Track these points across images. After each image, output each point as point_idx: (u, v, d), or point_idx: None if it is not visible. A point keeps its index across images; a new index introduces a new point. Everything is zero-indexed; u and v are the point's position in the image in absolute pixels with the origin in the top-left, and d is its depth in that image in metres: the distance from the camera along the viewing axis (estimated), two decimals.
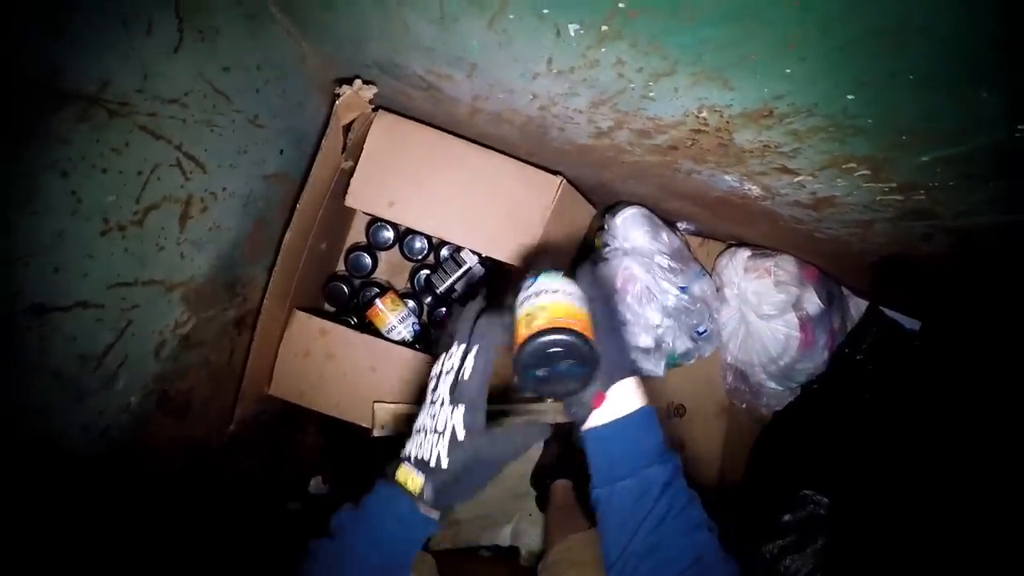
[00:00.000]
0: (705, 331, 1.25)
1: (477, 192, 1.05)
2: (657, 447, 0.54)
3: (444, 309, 1.20)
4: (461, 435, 0.50)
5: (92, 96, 0.57)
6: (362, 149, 1.01)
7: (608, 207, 1.30)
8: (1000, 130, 0.51)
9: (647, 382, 0.59)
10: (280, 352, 1.06)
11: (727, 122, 0.65)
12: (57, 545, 0.69)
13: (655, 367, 1.23)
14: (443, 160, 1.04)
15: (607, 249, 1.25)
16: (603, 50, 0.59)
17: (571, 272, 0.58)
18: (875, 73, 0.49)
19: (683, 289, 1.22)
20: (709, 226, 1.33)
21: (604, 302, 0.57)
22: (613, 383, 0.54)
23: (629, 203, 1.29)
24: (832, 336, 1.31)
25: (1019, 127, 0.49)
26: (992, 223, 0.70)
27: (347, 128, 0.98)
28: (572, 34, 0.57)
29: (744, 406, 1.34)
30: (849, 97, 0.53)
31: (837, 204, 0.81)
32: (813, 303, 1.27)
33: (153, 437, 0.81)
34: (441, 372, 0.55)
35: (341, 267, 1.29)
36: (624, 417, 0.54)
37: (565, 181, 1.09)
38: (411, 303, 1.23)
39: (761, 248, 1.30)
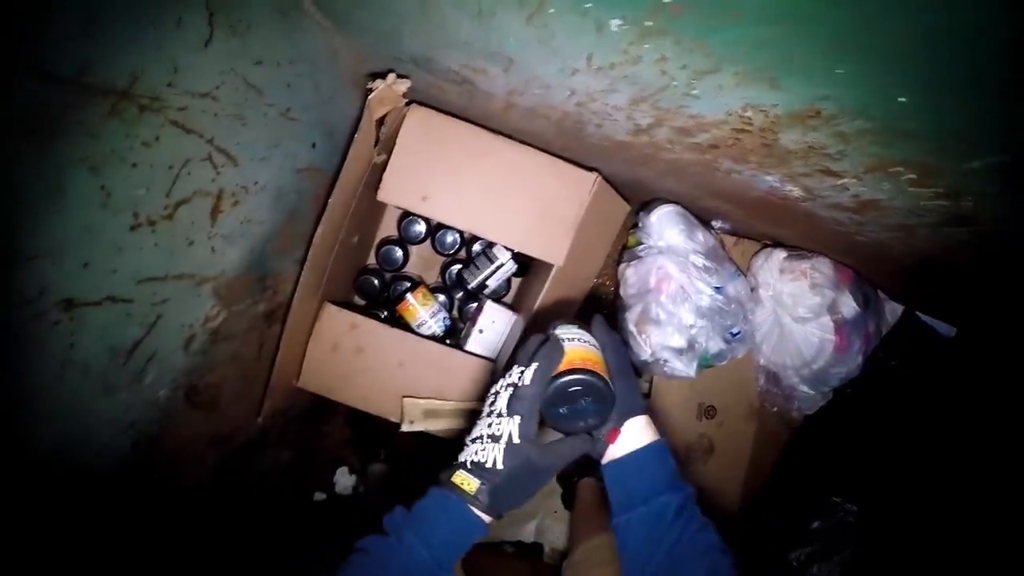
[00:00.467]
0: (739, 332, 1.20)
1: (511, 187, 1.02)
2: (669, 477, 0.58)
3: (475, 304, 1.17)
4: (516, 440, 0.53)
5: (122, 91, 0.55)
6: (395, 143, 0.97)
7: (642, 204, 1.25)
8: None
9: (654, 418, 0.62)
10: (309, 345, 1.04)
11: (772, 122, 0.63)
12: (83, 539, 0.69)
13: (687, 368, 1.18)
14: (476, 155, 1.01)
15: (641, 247, 1.20)
16: (646, 46, 0.56)
17: (585, 319, 0.65)
18: (927, 75, 0.46)
19: (718, 289, 1.16)
20: (745, 225, 1.27)
21: (615, 348, 0.62)
22: (626, 420, 0.59)
23: (664, 200, 1.23)
24: (867, 340, 1.25)
25: None
26: None
27: (380, 122, 0.95)
28: (614, 30, 0.54)
29: (775, 409, 1.28)
30: (900, 100, 0.50)
31: (881, 208, 0.77)
32: (849, 307, 1.20)
33: (181, 431, 0.80)
34: (500, 390, 0.58)
35: (372, 261, 1.27)
36: (638, 450, 0.59)
37: (600, 178, 1.05)
38: (442, 298, 1.20)
39: (797, 249, 1.24)
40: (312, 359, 1.05)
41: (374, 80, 0.90)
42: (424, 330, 1.13)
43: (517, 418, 0.54)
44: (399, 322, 1.17)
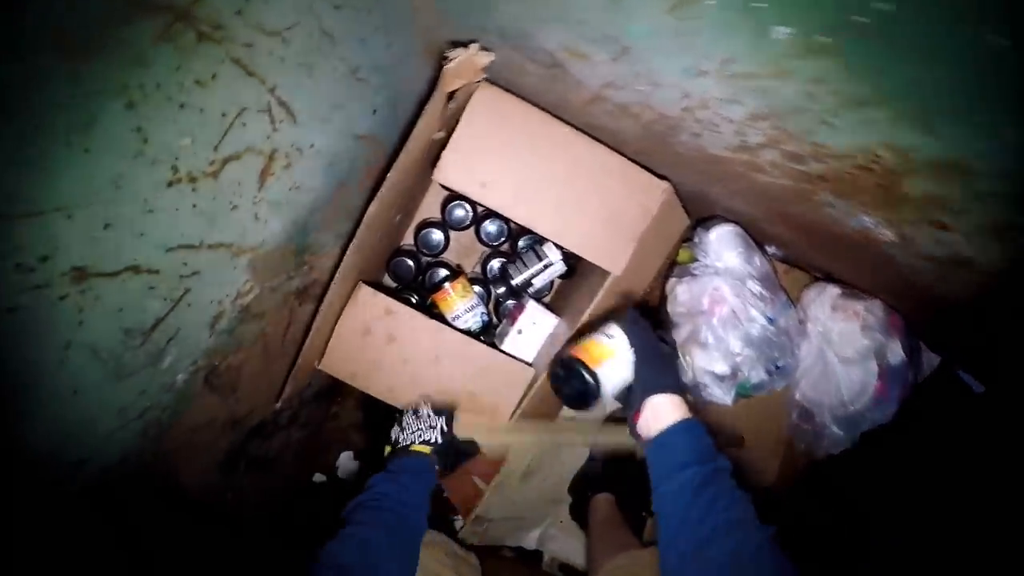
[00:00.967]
0: (784, 366, 1.08)
1: (578, 186, 0.88)
2: (695, 452, 0.57)
3: (515, 302, 1.03)
4: (446, 428, 0.78)
5: (182, 9, 0.40)
6: (459, 121, 0.83)
7: (699, 219, 1.12)
8: None
9: (705, 409, 0.65)
10: (338, 326, 0.90)
11: (905, 165, 0.55)
12: (85, 532, 0.55)
13: (725, 395, 1.06)
14: (545, 145, 0.87)
15: (696, 265, 1.07)
16: (805, 63, 0.47)
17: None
18: None
19: (771, 320, 1.04)
20: (802, 255, 1.14)
21: (639, 335, 0.68)
22: (647, 399, 0.61)
23: (723, 219, 1.10)
24: (905, 389, 1.14)
25: None
26: None
27: (449, 96, 0.80)
28: (777, 38, 0.45)
29: (803, 447, 1.17)
30: None
31: (974, 266, 0.70)
32: (896, 354, 1.10)
33: (196, 416, 0.66)
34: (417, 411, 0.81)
35: (407, 241, 1.12)
36: (666, 429, 0.59)
37: (671, 187, 0.92)
38: (480, 291, 1.06)
39: (851, 287, 1.12)
40: (339, 342, 0.91)
41: (454, 48, 0.75)
42: (459, 324, 1.00)
43: (443, 417, 0.79)
44: (432, 311, 1.03)
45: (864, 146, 0.56)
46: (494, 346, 0.99)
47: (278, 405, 0.81)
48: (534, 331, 0.99)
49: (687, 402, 0.62)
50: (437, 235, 1.06)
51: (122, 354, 0.49)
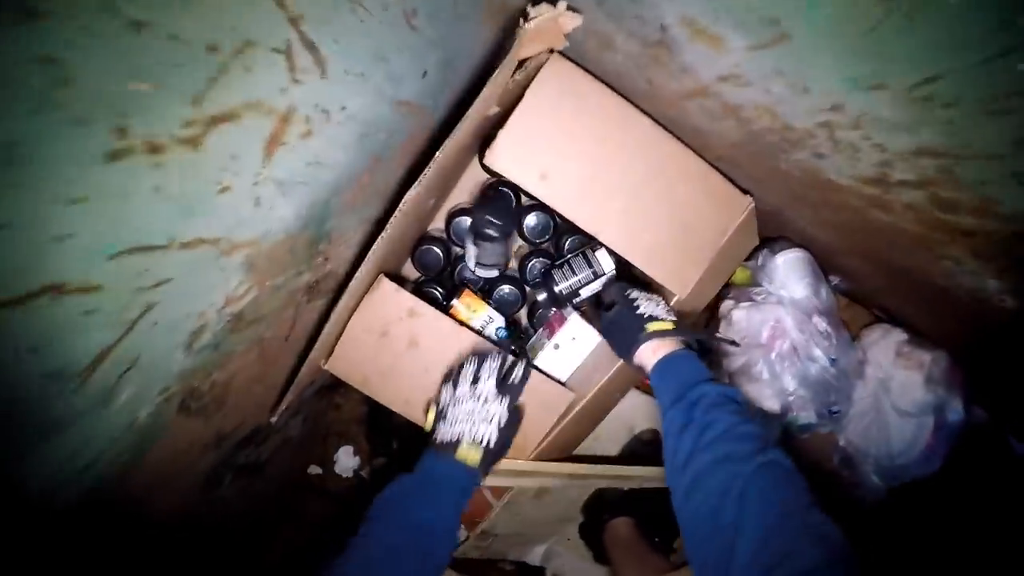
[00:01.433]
0: (838, 412, 0.92)
1: (650, 191, 0.69)
2: (669, 395, 0.53)
3: (554, 312, 0.84)
4: (503, 425, 0.60)
5: None
6: (521, 97, 0.62)
7: (764, 238, 0.93)
8: None
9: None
10: (351, 324, 0.71)
11: None
12: None
13: (769, 434, 0.91)
14: (620, 138, 0.67)
15: (757, 290, 0.89)
16: None
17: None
18: None
19: (833, 361, 0.87)
20: (872, 293, 0.96)
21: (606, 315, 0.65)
22: (625, 359, 0.61)
23: (791, 242, 0.91)
24: (951, 446, 0.99)
25: None
26: None
27: (519, 65, 0.59)
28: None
29: (838, 492, 1.02)
30: None
31: None
32: (956, 412, 0.93)
33: (168, 446, 0.48)
34: (478, 376, 0.63)
35: (435, 225, 0.92)
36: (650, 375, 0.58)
37: (754, 205, 0.73)
38: (509, 288, 0.87)
39: (916, 334, 0.95)
40: (351, 341, 0.72)
41: (536, 5, 0.54)
42: None
43: (506, 400, 0.60)
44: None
45: None
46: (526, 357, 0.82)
47: (274, 420, 0.63)
48: (573, 348, 0.81)
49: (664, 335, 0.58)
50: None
51: (48, 407, 0.31)
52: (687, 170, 0.70)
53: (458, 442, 0.57)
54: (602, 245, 0.81)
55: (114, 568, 0.50)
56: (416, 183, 0.56)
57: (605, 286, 0.78)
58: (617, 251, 0.69)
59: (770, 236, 0.93)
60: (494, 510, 0.96)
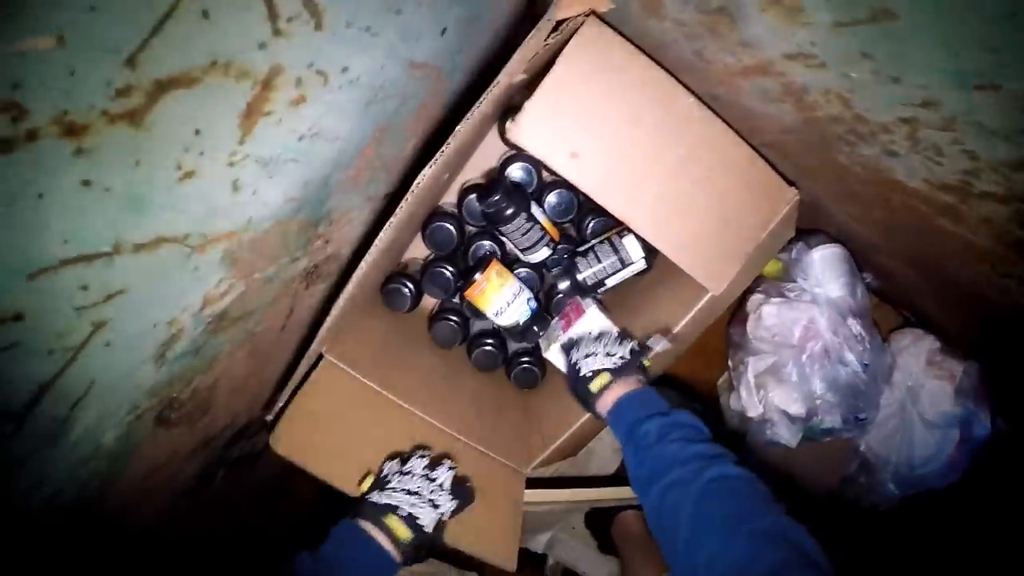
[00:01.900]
0: (865, 419, 0.84)
1: (689, 177, 0.59)
2: (621, 439, 0.52)
3: (572, 301, 0.76)
4: (446, 519, 0.52)
5: None
6: (551, 65, 0.51)
7: (798, 231, 0.83)
8: None
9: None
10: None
11: None
12: None
13: (791, 437, 0.83)
14: (659, 116, 0.56)
15: (791, 287, 0.80)
16: None
17: None
18: None
19: (865, 367, 0.79)
20: (907, 296, 0.87)
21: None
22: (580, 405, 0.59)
23: (827, 235, 0.82)
24: (972, 458, 0.93)
25: None
26: None
27: (554, 28, 0.48)
28: None
29: (850, 497, 0.97)
30: None
31: None
32: (983, 427, 0.86)
33: (146, 460, 0.41)
34: (437, 465, 0.55)
35: (447, 199, 0.82)
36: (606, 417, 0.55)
37: (799, 198, 0.64)
38: (522, 272, 0.78)
39: (945, 339, 0.87)
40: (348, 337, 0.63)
41: None
42: (503, 320, 0.73)
43: (456, 503, 0.53)
44: (469, 308, 0.77)
45: None
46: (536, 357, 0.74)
47: (269, 417, 0.56)
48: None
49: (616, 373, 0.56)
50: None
51: None
52: (730, 156, 0.60)
53: (393, 508, 0.49)
54: (631, 231, 0.72)
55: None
56: (432, 160, 0.47)
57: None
58: (649, 240, 0.60)
59: (805, 228, 0.84)
60: None
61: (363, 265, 0.52)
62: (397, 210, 0.50)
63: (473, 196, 0.77)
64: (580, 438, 0.76)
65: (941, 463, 0.88)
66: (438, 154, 0.47)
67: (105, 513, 0.39)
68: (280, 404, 0.56)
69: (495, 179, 0.76)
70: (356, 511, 0.49)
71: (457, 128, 0.46)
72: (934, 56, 0.33)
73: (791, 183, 0.64)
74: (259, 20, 0.25)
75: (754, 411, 0.82)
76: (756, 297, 0.84)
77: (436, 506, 0.51)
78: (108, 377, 0.30)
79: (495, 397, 0.82)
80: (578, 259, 0.71)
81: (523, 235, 0.72)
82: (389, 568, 0.48)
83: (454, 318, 0.80)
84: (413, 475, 0.53)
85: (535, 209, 0.72)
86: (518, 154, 0.76)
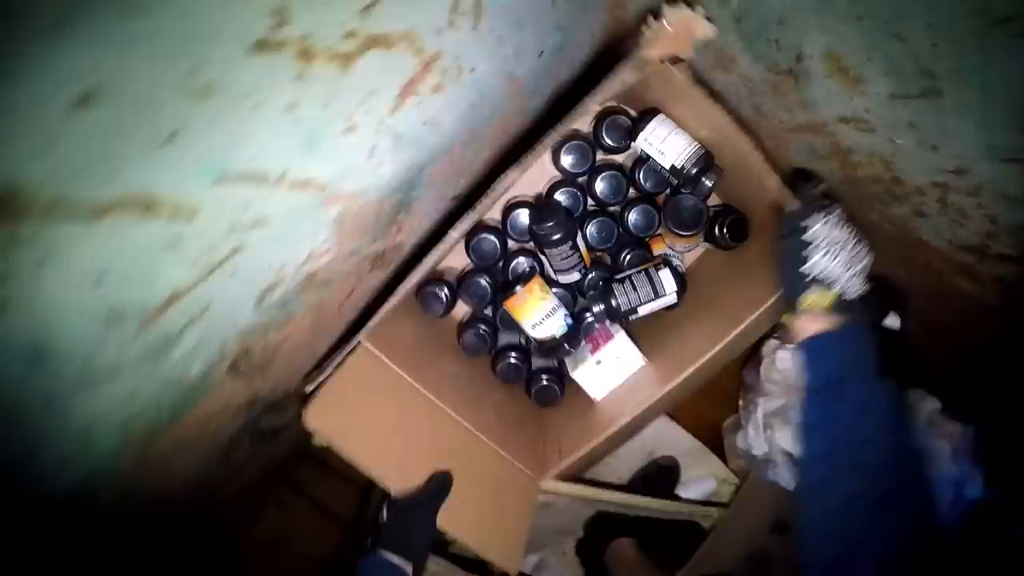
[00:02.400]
0: None
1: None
2: (814, 379, 0.45)
3: (600, 326, 0.77)
4: None
5: None
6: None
7: None
8: None
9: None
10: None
11: None
12: None
13: (791, 479, 0.84)
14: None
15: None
16: None
17: None
18: None
19: None
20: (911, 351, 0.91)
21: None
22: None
23: None
24: (961, 518, 0.93)
25: None
26: None
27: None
28: None
29: None
30: None
31: None
32: (975, 489, 0.86)
33: (205, 408, 0.40)
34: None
35: (490, 215, 0.84)
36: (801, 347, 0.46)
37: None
38: (558, 290, 0.79)
39: (950, 402, 0.89)
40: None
41: (672, 3, 0.47)
42: (538, 332, 0.73)
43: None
44: (503, 320, 0.79)
45: None
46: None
47: (308, 389, 0.55)
48: (615, 366, 0.74)
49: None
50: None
51: (94, 354, 0.23)
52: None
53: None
54: (667, 265, 0.74)
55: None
56: (514, 167, 0.49)
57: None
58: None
59: None
60: None
61: (427, 261, 0.54)
62: (473, 209, 0.52)
63: (519, 212, 0.79)
64: (596, 456, 0.75)
65: None
66: (520, 162, 0.49)
67: (160, 453, 0.38)
68: (320, 379, 0.56)
69: (549, 204, 0.78)
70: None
71: (537, 143, 0.48)
72: (971, 131, 0.36)
73: None
74: (443, 8, 0.28)
75: (759, 450, 0.83)
76: (772, 342, 0.86)
77: None
78: (222, 305, 0.31)
79: (515, 410, 0.81)
80: (615, 285, 0.73)
81: (563, 259, 0.74)
82: None
83: (484, 328, 0.81)
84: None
85: (578, 235, 0.75)
86: (565, 180, 0.79)
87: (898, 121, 0.41)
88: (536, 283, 0.73)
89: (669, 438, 0.91)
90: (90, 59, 0.14)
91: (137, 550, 0.44)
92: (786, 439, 0.82)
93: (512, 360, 0.82)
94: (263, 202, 0.27)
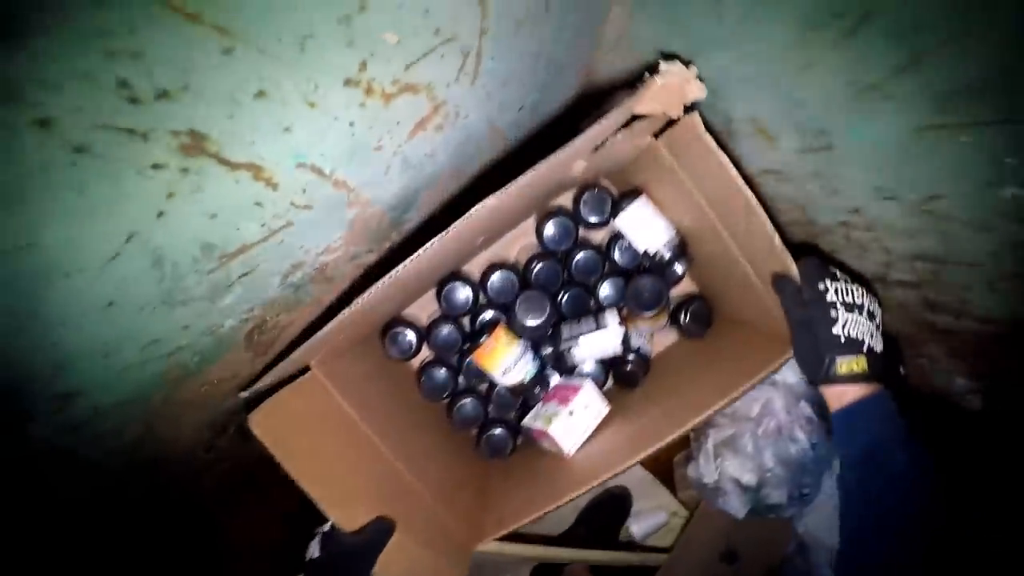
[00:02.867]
0: (808, 494, 0.95)
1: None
2: (851, 449, 0.46)
3: (560, 381, 0.82)
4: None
5: None
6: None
7: None
8: None
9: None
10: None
11: None
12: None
13: (740, 507, 0.92)
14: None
15: None
16: (1014, 226, 0.39)
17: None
18: None
19: (813, 446, 0.92)
20: None
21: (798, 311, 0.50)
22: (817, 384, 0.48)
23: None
24: None
25: None
26: None
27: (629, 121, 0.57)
28: (1003, 196, 0.37)
29: None
30: None
31: None
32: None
33: (220, 369, 0.48)
34: None
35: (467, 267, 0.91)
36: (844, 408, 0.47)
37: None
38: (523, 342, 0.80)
39: None
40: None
41: (667, 60, 0.51)
42: (508, 379, 0.78)
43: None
44: (469, 370, 0.83)
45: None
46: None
47: (245, 395, 0.56)
48: (584, 416, 0.77)
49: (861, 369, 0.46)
50: (507, 281, 0.80)
51: (186, 274, 0.32)
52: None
53: None
54: (614, 307, 0.82)
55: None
56: (493, 196, 0.59)
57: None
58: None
59: None
60: None
61: (385, 280, 0.50)
62: (444, 233, 0.51)
63: (498, 275, 0.80)
64: (533, 525, 0.72)
65: None
66: (497, 194, 0.62)
67: (180, 400, 0.45)
68: (259, 386, 0.52)
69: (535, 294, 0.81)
70: None
71: (520, 178, 0.58)
72: (858, 176, 0.47)
73: None
74: (455, 68, 0.41)
75: (709, 478, 0.92)
76: None
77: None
78: (264, 270, 0.40)
79: (462, 463, 0.83)
80: (563, 325, 0.81)
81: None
82: None
83: (444, 372, 0.82)
84: None
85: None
86: (544, 253, 0.82)
87: (807, 173, 0.52)
88: (501, 330, 0.77)
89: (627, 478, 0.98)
90: (262, 69, 0.26)
91: (137, 517, 0.49)
92: (735, 466, 0.92)
93: (469, 406, 0.82)
94: (314, 190, 0.37)
